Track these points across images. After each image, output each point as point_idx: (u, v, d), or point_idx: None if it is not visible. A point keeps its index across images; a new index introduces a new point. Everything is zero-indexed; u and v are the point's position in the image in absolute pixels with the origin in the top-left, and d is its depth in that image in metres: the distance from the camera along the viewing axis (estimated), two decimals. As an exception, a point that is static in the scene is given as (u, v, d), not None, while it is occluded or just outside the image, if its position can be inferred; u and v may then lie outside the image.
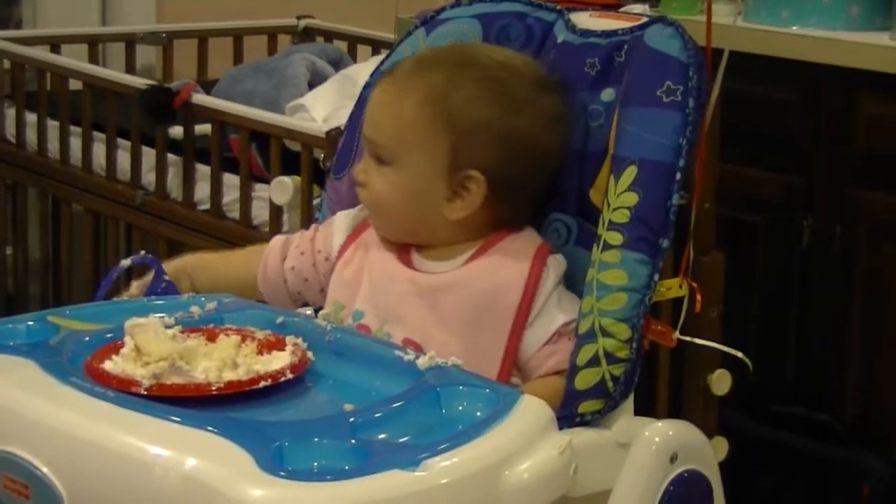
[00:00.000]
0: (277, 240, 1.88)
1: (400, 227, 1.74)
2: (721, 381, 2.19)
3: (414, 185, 1.72)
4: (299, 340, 1.60)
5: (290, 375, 1.53)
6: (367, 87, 1.88)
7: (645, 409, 1.74)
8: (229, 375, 1.52)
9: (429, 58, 1.77)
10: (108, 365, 1.53)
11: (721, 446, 2.11)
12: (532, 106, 1.72)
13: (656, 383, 2.33)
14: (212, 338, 1.60)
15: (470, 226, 1.73)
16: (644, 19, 1.75)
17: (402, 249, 1.75)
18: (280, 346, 1.59)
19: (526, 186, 1.74)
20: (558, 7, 1.83)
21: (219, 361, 1.53)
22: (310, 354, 1.58)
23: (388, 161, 1.72)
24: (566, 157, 1.76)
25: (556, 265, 1.72)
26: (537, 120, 1.72)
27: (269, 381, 1.51)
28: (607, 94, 1.75)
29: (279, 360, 1.56)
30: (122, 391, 1.47)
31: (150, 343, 1.54)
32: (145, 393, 1.47)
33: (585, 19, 1.80)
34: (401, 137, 1.71)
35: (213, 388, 1.49)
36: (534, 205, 1.78)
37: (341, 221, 1.83)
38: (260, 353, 1.58)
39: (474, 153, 1.70)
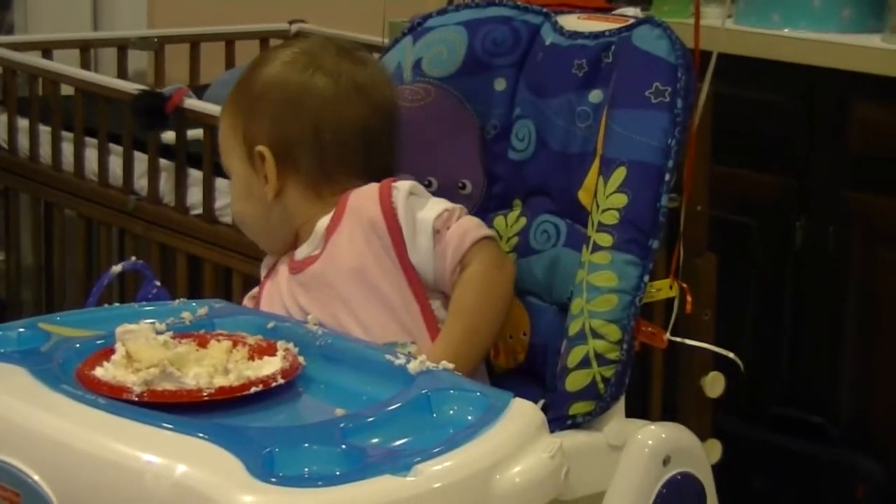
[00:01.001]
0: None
1: (265, 237, 1.80)
2: (715, 384, 2.19)
3: (240, 187, 1.79)
4: (290, 345, 1.60)
5: (281, 381, 1.53)
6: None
7: (639, 411, 1.74)
8: (220, 381, 1.51)
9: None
10: (99, 371, 1.53)
11: (715, 448, 2.11)
12: (317, 70, 1.77)
13: (650, 386, 2.33)
14: (203, 343, 1.60)
15: (308, 200, 1.76)
16: (631, 20, 1.75)
17: (291, 254, 1.78)
18: (271, 351, 1.59)
19: (327, 147, 1.75)
20: (545, 10, 1.83)
21: (210, 367, 1.53)
22: (301, 359, 1.58)
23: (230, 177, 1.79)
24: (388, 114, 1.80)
25: (402, 184, 1.72)
26: (317, 80, 1.76)
27: (261, 387, 1.51)
28: (595, 96, 1.75)
29: (270, 366, 1.56)
30: (114, 398, 1.47)
31: (142, 349, 1.53)
32: (136, 399, 1.47)
33: (573, 21, 1.80)
34: (223, 147, 1.79)
35: (205, 394, 1.49)
36: (368, 163, 1.77)
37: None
38: (251, 358, 1.58)
39: (258, 130, 1.76)
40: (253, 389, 1.50)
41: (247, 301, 1.87)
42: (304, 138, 1.75)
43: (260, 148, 1.75)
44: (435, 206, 1.72)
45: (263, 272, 1.84)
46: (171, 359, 1.52)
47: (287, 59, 1.79)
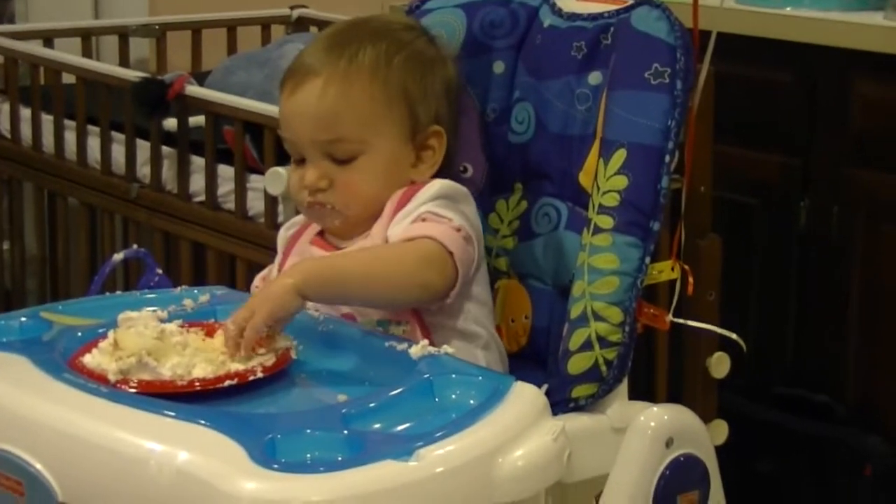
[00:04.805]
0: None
1: (369, 214, 1.71)
2: (720, 365, 2.18)
3: (387, 165, 1.71)
4: (289, 339, 1.58)
5: (259, 375, 1.51)
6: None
7: (644, 393, 1.73)
8: (198, 373, 1.51)
9: (336, 43, 1.73)
10: (87, 358, 1.53)
11: (721, 429, 2.11)
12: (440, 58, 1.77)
13: (655, 367, 2.33)
14: (210, 333, 1.59)
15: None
16: (630, 2, 1.74)
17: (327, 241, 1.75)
18: (269, 343, 1.58)
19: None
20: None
21: (196, 358, 1.52)
22: (293, 353, 1.57)
23: (354, 154, 1.70)
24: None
25: (442, 183, 1.71)
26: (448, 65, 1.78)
27: (236, 381, 1.50)
28: (594, 78, 1.75)
29: (262, 358, 1.55)
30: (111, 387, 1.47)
31: (127, 337, 1.53)
32: (135, 388, 1.47)
33: (571, 3, 1.80)
34: (368, 125, 1.70)
35: (178, 384, 1.48)
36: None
37: (278, 247, 1.82)
38: (253, 349, 1.57)
39: (430, 110, 1.73)
40: (227, 383, 1.49)
41: (258, 281, 1.86)
42: (456, 118, 1.78)
43: (438, 128, 1.73)
44: (448, 212, 1.67)
45: (289, 234, 1.81)
46: (151, 349, 1.51)
47: (424, 37, 1.78)
